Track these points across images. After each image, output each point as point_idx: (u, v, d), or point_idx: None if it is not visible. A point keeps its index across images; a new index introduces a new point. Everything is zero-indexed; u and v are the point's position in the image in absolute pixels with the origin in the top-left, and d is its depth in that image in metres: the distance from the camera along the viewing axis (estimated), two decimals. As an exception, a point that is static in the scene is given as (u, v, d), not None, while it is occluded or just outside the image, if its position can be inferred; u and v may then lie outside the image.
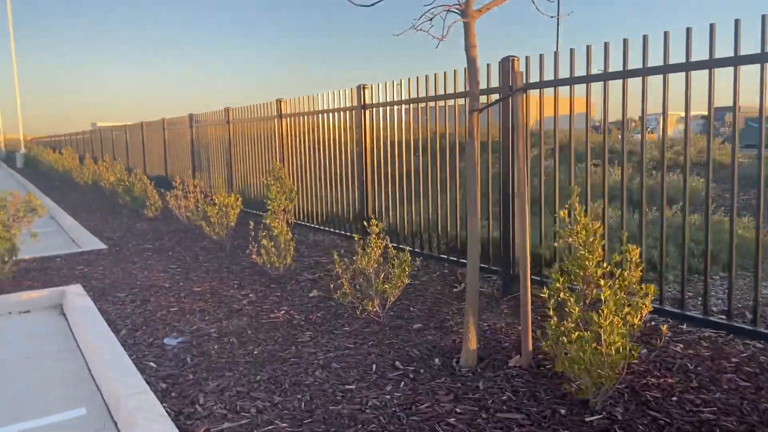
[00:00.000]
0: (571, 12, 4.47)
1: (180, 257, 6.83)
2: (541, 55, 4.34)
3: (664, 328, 3.63)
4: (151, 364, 3.62)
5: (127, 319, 4.53)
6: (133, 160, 17.00)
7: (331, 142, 7.44)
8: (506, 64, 4.49)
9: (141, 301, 5.00)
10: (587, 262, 2.83)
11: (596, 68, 3.97)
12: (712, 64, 3.45)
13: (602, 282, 2.86)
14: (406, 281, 4.12)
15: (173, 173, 13.67)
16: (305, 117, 7.96)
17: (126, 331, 4.27)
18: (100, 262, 6.66)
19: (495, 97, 4.86)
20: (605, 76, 3.91)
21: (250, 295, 5.09)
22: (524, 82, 4.24)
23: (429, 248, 5.90)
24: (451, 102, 5.43)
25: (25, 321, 4.95)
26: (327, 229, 7.68)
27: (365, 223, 6.69)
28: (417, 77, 5.76)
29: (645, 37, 3.73)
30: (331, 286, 5.22)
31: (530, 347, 3.37)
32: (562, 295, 2.89)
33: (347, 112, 6.99)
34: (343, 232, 7.33)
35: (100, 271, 6.18)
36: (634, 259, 2.90)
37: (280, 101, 8.48)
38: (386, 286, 4.02)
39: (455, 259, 5.52)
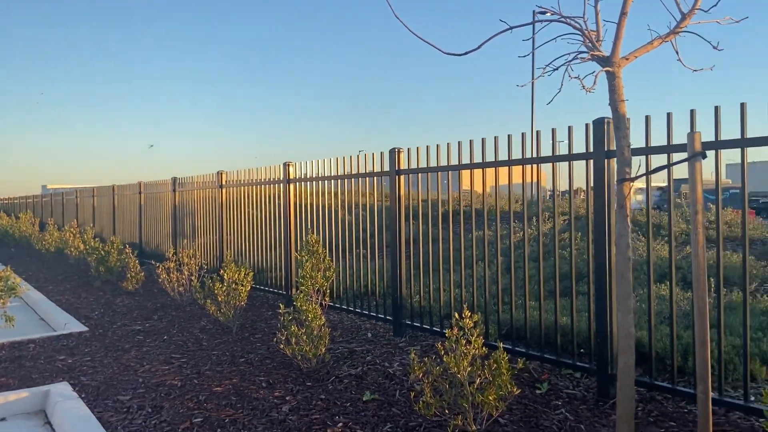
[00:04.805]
0: (713, 65, 4.12)
1: (180, 342, 5.81)
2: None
3: None
4: None
5: (141, 436, 3.54)
6: (101, 225, 15.79)
7: (353, 208, 6.68)
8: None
9: (152, 407, 4.00)
10: None
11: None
12: None
13: None
14: (517, 391, 3.28)
15: (149, 240, 12.60)
16: (320, 182, 7.19)
17: (143, 455, 3.29)
18: (84, 350, 5.59)
19: (581, 163, 4.21)
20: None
21: (287, 398, 4.15)
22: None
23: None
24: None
25: (-1, 435, 3.88)
26: (342, 306, 6.79)
27: (398, 301, 5.88)
28: (459, 142, 5.15)
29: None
30: (386, 385, 4.33)
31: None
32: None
33: (377, 177, 6.27)
34: (364, 312, 6.45)
35: (87, 363, 5.13)
36: None
37: (288, 164, 7.71)
38: (490, 398, 3.17)
39: (523, 350, 4.71)
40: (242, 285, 6.07)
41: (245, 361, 5.11)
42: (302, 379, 4.55)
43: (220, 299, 6.02)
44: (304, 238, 7.43)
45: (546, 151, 4.44)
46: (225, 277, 6.04)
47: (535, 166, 4.60)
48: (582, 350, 4.63)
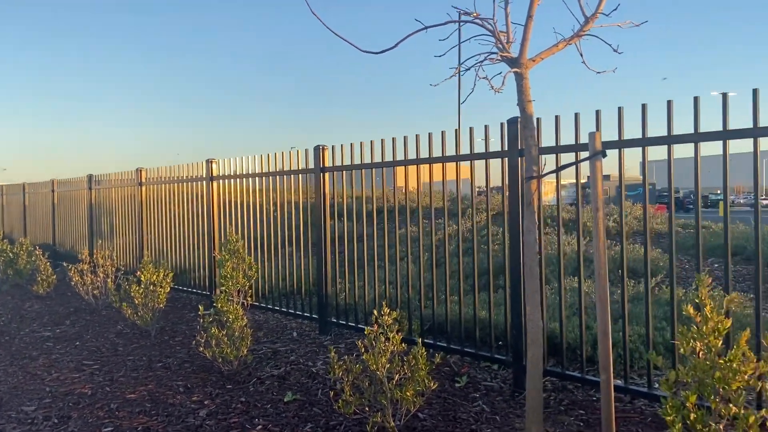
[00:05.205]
0: (615, 68, 4.24)
1: (93, 348, 5.56)
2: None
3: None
4: None
5: (46, 449, 3.36)
6: (10, 225, 14.92)
7: (279, 206, 6.58)
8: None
9: (59, 418, 3.81)
10: (730, 374, 2.21)
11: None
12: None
13: (740, 398, 2.25)
14: (434, 385, 3.32)
15: (63, 241, 12.00)
16: (244, 180, 7.05)
17: (47, 469, 3.12)
18: (-13, 359, 5.26)
19: (498, 161, 4.30)
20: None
21: (205, 402, 4.05)
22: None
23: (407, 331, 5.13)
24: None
25: None
26: (268, 306, 6.69)
27: (324, 299, 5.84)
28: (382, 139, 5.18)
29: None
30: (309, 384, 4.29)
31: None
32: (693, 416, 2.24)
33: (302, 174, 6.19)
34: (290, 311, 6.37)
35: (-10, 373, 4.83)
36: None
37: (211, 162, 7.52)
38: (408, 394, 3.20)
39: (444, 344, 4.78)
40: (161, 286, 5.87)
41: (163, 365, 4.94)
42: (222, 382, 4.45)
43: (137, 302, 5.80)
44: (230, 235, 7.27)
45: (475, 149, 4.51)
46: (142, 278, 5.82)
47: (456, 163, 4.67)
48: (500, 343, 4.73)
